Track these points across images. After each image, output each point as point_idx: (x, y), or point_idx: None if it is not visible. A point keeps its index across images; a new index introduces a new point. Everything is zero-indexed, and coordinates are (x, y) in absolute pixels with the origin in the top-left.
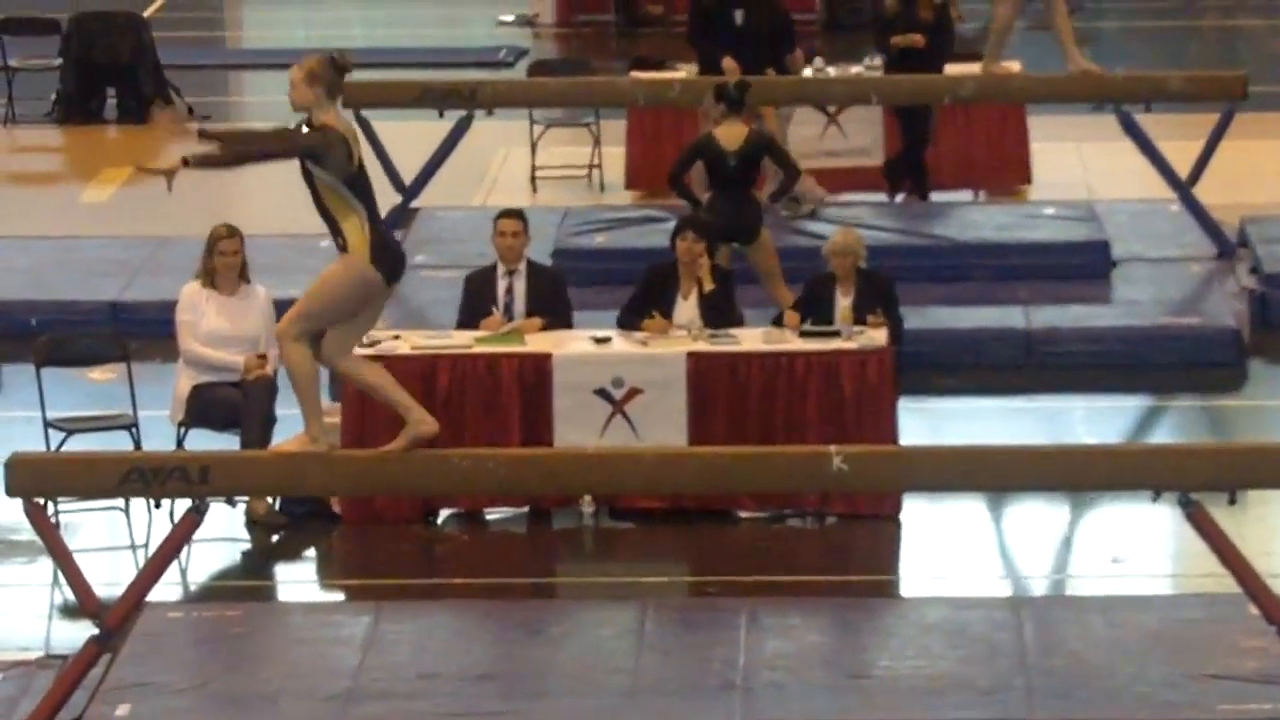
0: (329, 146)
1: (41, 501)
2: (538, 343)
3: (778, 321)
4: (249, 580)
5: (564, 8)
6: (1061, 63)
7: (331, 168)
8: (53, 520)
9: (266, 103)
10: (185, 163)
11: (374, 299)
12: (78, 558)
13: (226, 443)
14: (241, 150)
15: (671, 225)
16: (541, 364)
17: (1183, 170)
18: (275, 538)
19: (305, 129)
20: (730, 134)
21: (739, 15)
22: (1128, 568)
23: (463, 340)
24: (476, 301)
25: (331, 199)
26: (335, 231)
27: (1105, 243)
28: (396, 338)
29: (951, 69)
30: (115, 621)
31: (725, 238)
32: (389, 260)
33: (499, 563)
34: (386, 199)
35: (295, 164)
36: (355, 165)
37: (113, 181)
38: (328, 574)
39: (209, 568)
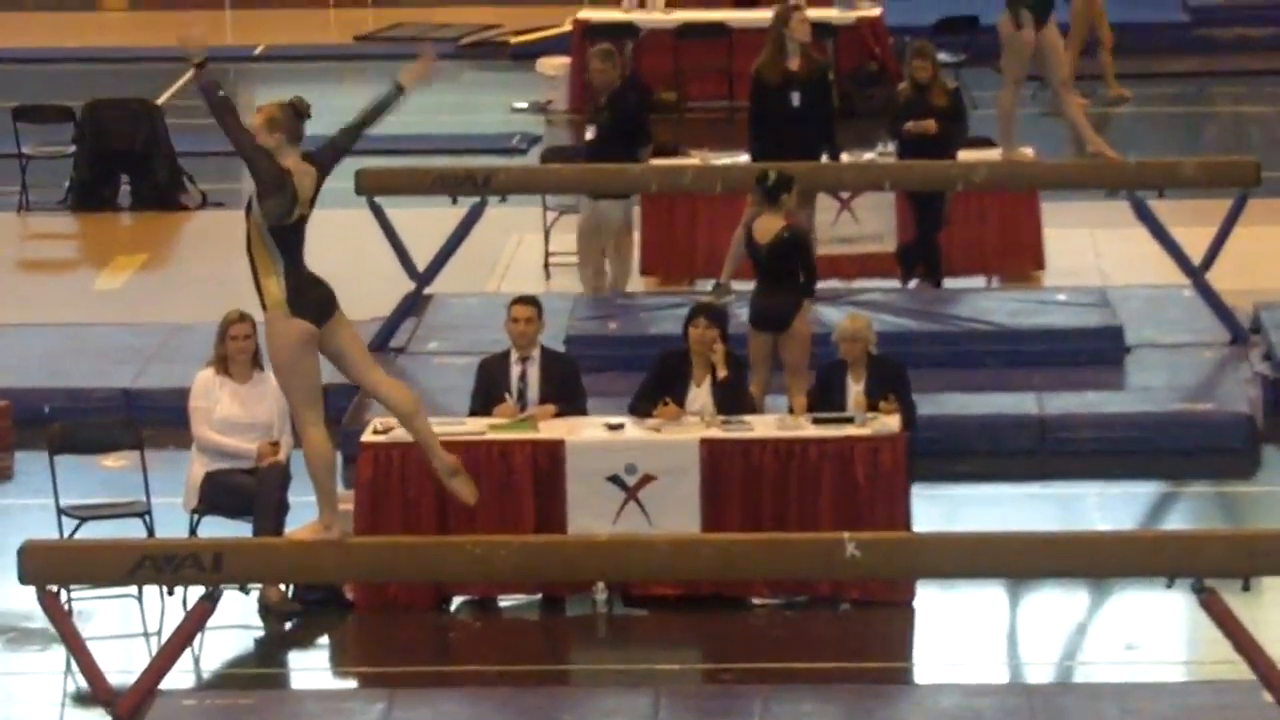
0: (280, 190)
1: (55, 589)
2: (551, 429)
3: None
4: (262, 668)
5: (577, 94)
6: (1073, 148)
7: (268, 210)
8: (66, 608)
9: None
10: (200, 66)
11: (314, 343)
12: (91, 645)
13: (239, 530)
14: (228, 119)
15: (684, 312)
16: (555, 451)
17: (1196, 256)
18: (288, 625)
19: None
20: (766, 226)
21: (796, 97)
22: (1141, 654)
23: (476, 427)
24: (490, 388)
25: (257, 245)
26: (257, 286)
27: (1119, 328)
28: None
29: (965, 155)
30: (128, 709)
31: (759, 326)
32: (312, 306)
33: (512, 650)
34: (400, 285)
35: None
36: (293, 218)
37: (126, 269)
38: (341, 661)
39: (222, 655)
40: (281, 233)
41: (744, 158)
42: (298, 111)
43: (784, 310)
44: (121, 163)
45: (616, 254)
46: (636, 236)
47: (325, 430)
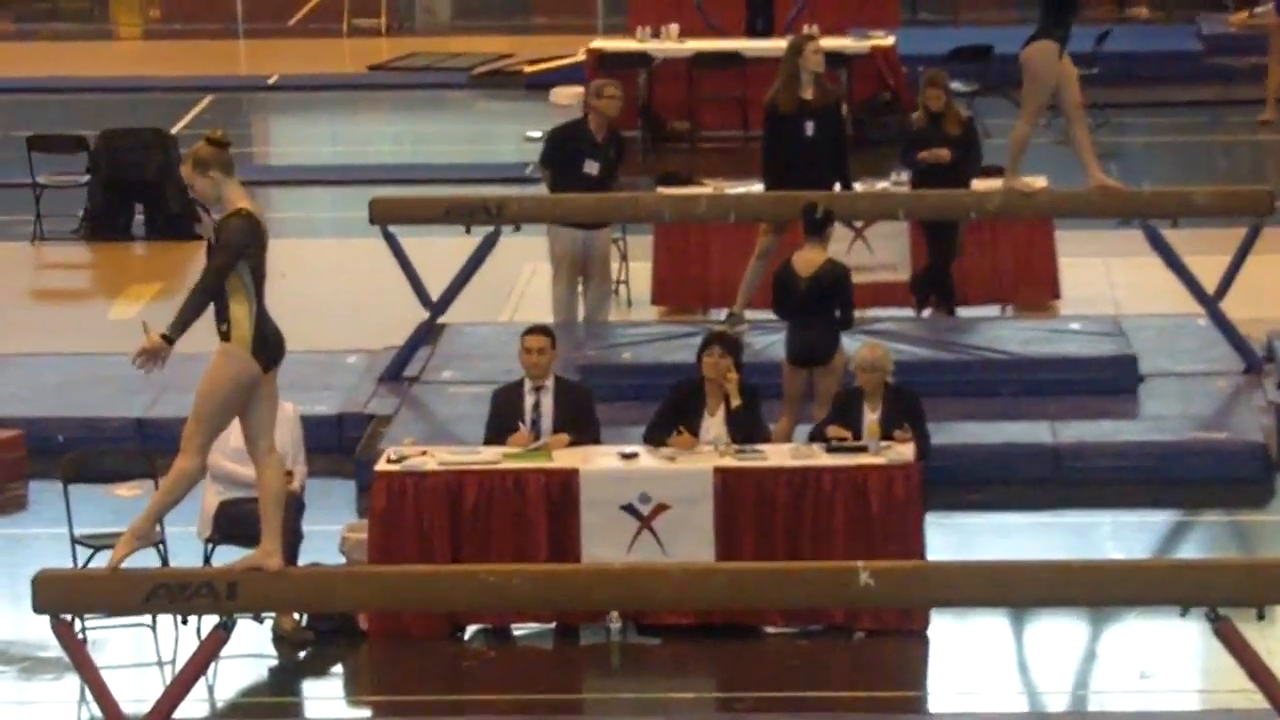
0: (255, 235)
1: (69, 618)
2: (565, 458)
3: (814, 437)
4: (276, 697)
5: None
6: (1085, 178)
7: (251, 256)
8: (80, 637)
9: (295, 218)
10: (167, 339)
11: (255, 387)
12: (105, 675)
13: None
14: (205, 290)
15: (698, 341)
16: (568, 480)
17: (1210, 285)
18: (302, 654)
19: (223, 223)
20: (807, 260)
21: (810, 126)
22: (1155, 683)
23: (490, 456)
24: (504, 417)
25: (234, 284)
26: (222, 317)
27: (1132, 358)
28: (424, 453)
29: (978, 184)
30: None
31: (798, 362)
32: (270, 351)
33: (526, 679)
34: (414, 315)
35: (318, 282)
36: (264, 251)
37: (140, 298)
38: (355, 690)
39: (236, 684)
40: (256, 269)
41: (757, 187)
42: (217, 142)
43: (825, 345)
44: (136, 192)
45: (593, 282)
46: (638, 266)
47: (206, 456)
